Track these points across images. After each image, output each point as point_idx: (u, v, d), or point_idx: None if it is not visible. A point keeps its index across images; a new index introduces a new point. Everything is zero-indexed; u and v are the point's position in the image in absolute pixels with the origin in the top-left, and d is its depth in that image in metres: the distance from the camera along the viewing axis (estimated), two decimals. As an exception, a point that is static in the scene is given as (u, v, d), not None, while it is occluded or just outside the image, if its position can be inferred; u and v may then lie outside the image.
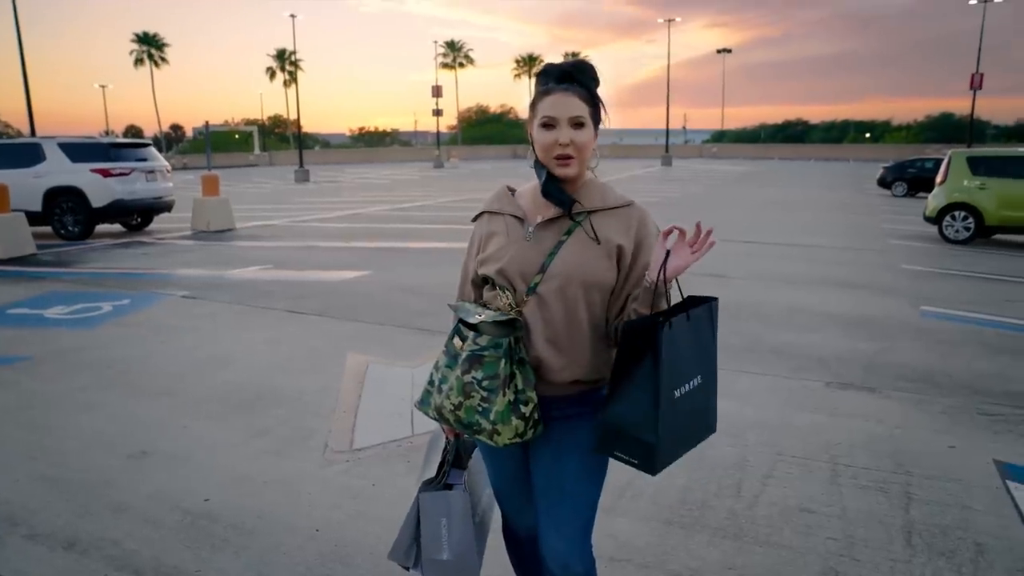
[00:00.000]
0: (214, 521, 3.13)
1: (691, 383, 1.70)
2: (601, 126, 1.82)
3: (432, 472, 2.01)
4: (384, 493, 3.39)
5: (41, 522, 3.13)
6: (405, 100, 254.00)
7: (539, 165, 1.79)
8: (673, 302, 1.72)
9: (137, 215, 14.03)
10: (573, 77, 1.78)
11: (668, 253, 1.64)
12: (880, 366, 5.31)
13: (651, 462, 1.66)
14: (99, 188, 12.72)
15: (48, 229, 13.01)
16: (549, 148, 1.75)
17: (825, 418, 4.28)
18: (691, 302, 1.74)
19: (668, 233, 1.66)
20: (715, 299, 1.78)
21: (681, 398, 1.67)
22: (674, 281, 1.68)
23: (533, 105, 1.79)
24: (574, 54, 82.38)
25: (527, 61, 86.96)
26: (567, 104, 1.74)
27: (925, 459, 3.72)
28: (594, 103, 1.79)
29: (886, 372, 5.17)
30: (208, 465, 3.69)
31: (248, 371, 5.22)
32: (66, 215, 12.88)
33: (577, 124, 1.74)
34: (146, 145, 14.31)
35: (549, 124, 1.75)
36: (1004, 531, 3.03)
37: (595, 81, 1.80)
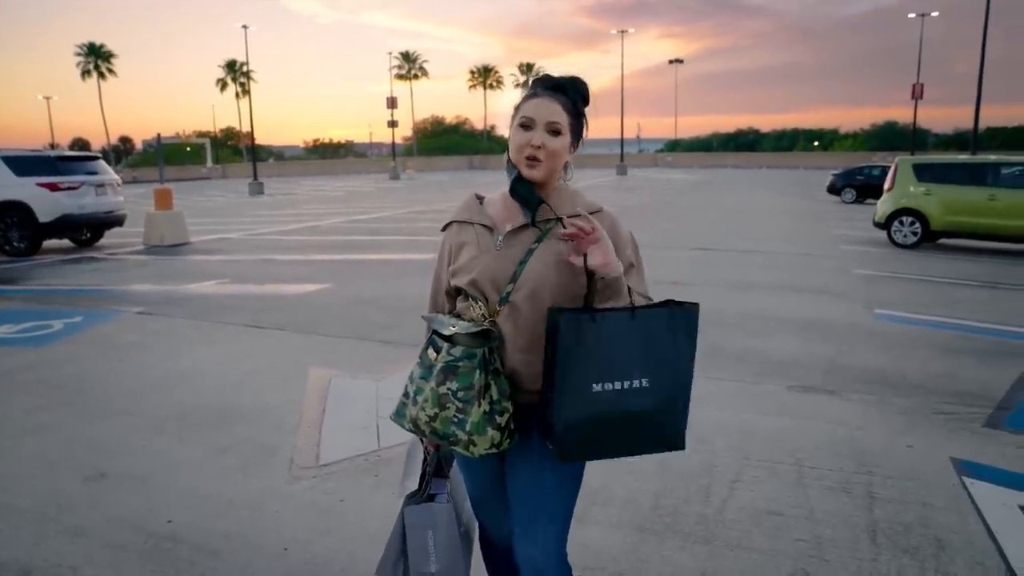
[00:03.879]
0: (179, 543, 3.04)
1: (624, 383, 1.65)
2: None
3: (412, 484, 1.99)
4: (353, 508, 3.34)
5: (-6, 550, 3.01)
6: (360, 111, 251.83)
7: (511, 166, 1.80)
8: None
9: (87, 230, 13.66)
10: (562, 89, 1.81)
11: (585, 255, 1.69)
12: (838, 369, 5.43)
13: (557, 447, 1.69)
14: (46, 202, 12.35)
15: (-9, 246, 12.60)
16: (522, 148, 1.76)
17: (789, 421, 4.35)
18: (669, 304, 1.74)
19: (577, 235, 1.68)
20: (692, 304, 1.74)
21: (604, 394, 1.64)
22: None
23: (517, 107, 1.82)
24: (529, 65, 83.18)
25: (482, 72, 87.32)
26: (547, 109, 1.77)
27: (885, 459, 3.80)
28: (577, 117, 1.82)
29: (844, 375, 5.28)
30: (170, 485, 3.59)
31: (208, 388, 5.11)
32: (11, 230, 12.46)
33: (553, 130, 1.76)
34: (95, 158, 13.95)
35: (526, 125, 1.77)
36: (963, 526, 3.12)
37: (584, 98, 1.84)
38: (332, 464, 3.83)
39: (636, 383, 1.66)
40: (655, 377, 1.69)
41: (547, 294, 1.76)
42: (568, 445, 1.68)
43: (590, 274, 1.76)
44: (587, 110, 1.86)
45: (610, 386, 1.65)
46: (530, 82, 1.89)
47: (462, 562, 1.95)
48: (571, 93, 1.81)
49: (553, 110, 1.77)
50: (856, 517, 3.20)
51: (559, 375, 1.64)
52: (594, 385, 1.64)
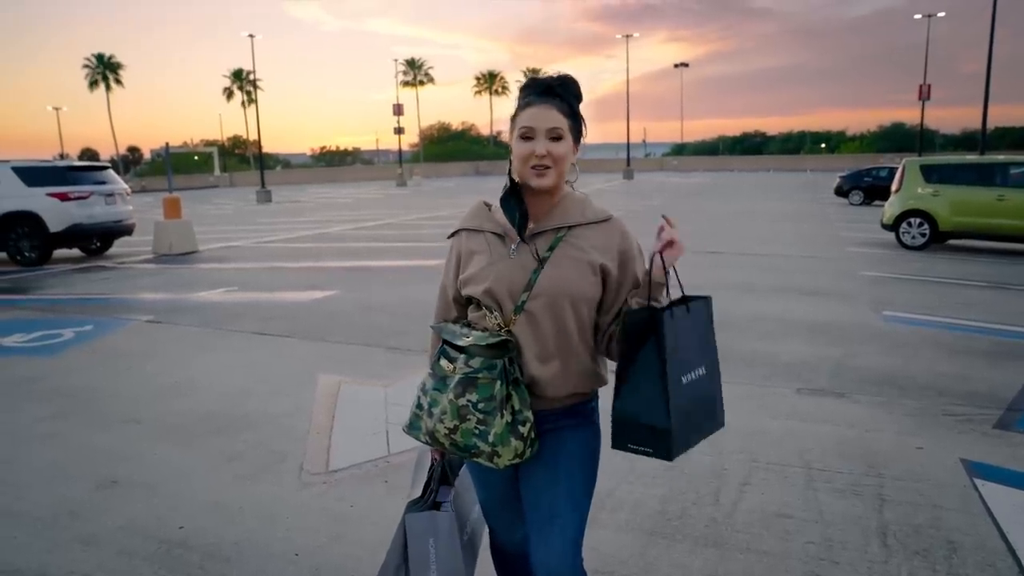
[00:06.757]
0: (190, 550, 3.06)
1: (696, 372, 1.76)
2: (581, 141, 1.84)
3: (419, 492, 1.99)
4: (363, 514, 3.35)
5: (5, 558, 3.03)
6: (367, 119, 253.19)
7: (509, 176, 1.80)
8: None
9: (97, 239, 13.75)
10: (555, 91, 1.79)
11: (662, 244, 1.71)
12: (846, 371, 5.42)
13: (666, 447, 1.69)
14: (56, 212, 12.45)
15: (3, 255, 12.68)
16: (526, 159, 1.75)
17: (797, 424, 4.34)
18: (687, 299, 1.79)
19: (662, 228, 1.72)
20: (710, 297, 1.84)
21: (688, 385, 1.72)
22: (675, 278, 1.75)
23: (514, 117, 1.81)
24: (534, 70, 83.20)
25: (488, 78, 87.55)
26: (546, 116, 1.75)
27: (895, 461, 3.79)
28: (574, 118, 1.80)
29: (853, 377, 5.27)
30: (181, 492, 3.61)
31: (217, 395, 5.13)
32: (22, 240, 12.56)
33: (555, 137, 1.75)
34: (104, 168, 14.06)
35: (527, 135, 1.75)
36: (974, 528, 3.11)
37: (577, 97, 1.82)
38: (342, 470, 3.84)
39: (700, 371, 1.78)
40: (708, 364, 1.81)
41: (563, 302, 1.75)
42: (680, 439, 1.71)
43: (605, 279, 1.79)
44: (582, 108, 1.85)
45: (689, 377, 1.74)
46: (520, 88, 1.86)
47: (464, 572, 1.94)
48: (564, 95, 1.80)
49: (551, 116, 1.75)
50: (866, 519, 3.19)
51: (665, 373, 1.69)
52: (683, 378, 1.72)
